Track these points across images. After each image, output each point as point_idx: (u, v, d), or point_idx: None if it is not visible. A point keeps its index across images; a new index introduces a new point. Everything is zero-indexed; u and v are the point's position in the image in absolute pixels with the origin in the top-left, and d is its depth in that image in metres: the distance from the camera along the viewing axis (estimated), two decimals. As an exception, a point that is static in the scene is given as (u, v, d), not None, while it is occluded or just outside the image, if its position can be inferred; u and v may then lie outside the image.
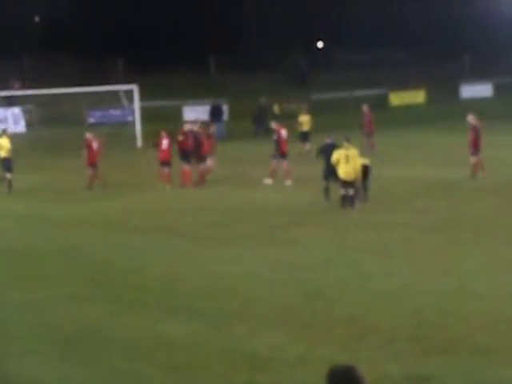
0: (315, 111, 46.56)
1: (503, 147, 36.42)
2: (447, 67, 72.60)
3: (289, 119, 42.24)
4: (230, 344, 12.96)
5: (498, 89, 64.95)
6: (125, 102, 52.48)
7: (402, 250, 18.91)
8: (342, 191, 24.49)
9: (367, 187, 25.57)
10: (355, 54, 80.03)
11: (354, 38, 77.53)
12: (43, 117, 50.55)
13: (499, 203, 24.40)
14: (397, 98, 63.27)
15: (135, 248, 20.29)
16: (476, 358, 12.02)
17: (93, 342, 13.40)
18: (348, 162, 24.30)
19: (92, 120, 53.93)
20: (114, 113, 54.23)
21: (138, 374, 12.01)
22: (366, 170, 25.33)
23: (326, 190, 25.61)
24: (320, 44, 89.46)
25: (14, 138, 36.02)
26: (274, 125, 31.57)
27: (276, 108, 54.12)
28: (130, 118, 49.72)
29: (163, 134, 31.08)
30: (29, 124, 52.67)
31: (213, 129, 35.47)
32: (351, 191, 24.40)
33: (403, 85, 64.28)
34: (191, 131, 31.48)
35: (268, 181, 30.01)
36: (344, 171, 24.30)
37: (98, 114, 54.81)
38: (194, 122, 33.67)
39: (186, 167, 30.65)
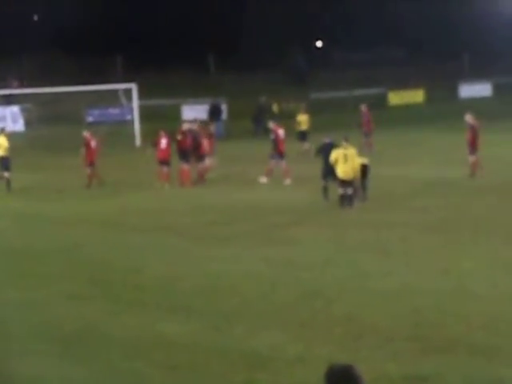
0: (314, 110, 46.58)
1: (502, 146, 36.48)
2: (446, 67, 72.62)
3: (287, 118, 42.27)
4: (229, 343, 12.98)
5: (497, 88, 64.98)
6: (123, 100, 52.49)
7: (401, 250, 18.93)
8: (340, 190, 24.51)
9: (366, 186, 25.60)
10: (354, 53, 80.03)
11: (352, 38, 77.52)
12: (42, 115, 50.54)
13: (498, 202, 24.42)
14: (396, 98, 63.30)
15: (134, 247, 20.30)
16: (475, 357, 12.04)
17: (92, 341, 13.41)
18: (346, 161, 24.32)
19: (90, 119, 53.94)
20: (113, 112, 54.25)
21: (137, 373, 12.02)
22: (364, 170, 25.36)
23: (325, 190, 25.63)
24: (319, 43, 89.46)
25: (12, 136, 36.04)
26: (271, 124, 31.58)
27: (275, 107, 54.11)
28: (128, 117, 49.73)
29: (162, 133, 31.10)
30: (27, 123, 52.68)
31: (212, 128, 35.51)
32: (350, 190, 24.42)
33: (402, 84, 64.31)
34: (190, 130, 31.50)
35: (263, 179, 30.02)
36: (342, 170, 24.32)
37: (96, 112, 54.84)
38: (192, 122, 33.68)
39: (185, 166, 30.66)
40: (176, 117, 50.99)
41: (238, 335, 13.35)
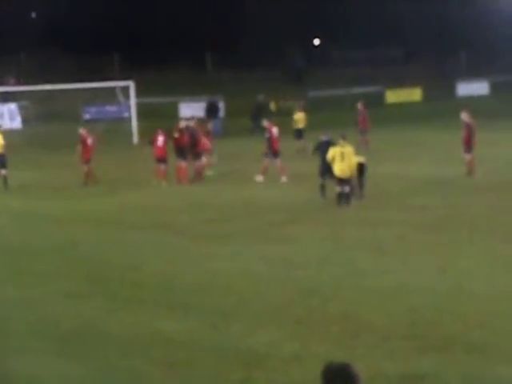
0: (312, 108, 46.63)
1: (500, 145, 36.52)
2: (444, 65, 72.66)
3: (285, 116, 42.30)
4: (226, 341, 13.00)
5: (494, 87, 64.99)
6: (121, 98, 52.48)
7: (398, 248, 18.95)
8: (337, 188, 24.54)
9: (363, 184, 25.63)
10: (352, 51, 80.00)
11: (350, 36, 77.46)
12: (39, 113, 50.53)
13: (495, 201, 24.44)
14: (393, 96, 63.33)
15: (131, 245, 20.31)
16: (472, 355, 12.06)
17: (89, 338, 13.42)
18: (343, 159, 24.34)
19: (88, 116, 53.94)
20: (110, 109, 54.23)
21: (135, 371, 12.03)
22: (361, 168, 25.39)
23: (322, 188, 25.65)
24: (316, 41, 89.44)
25: (9, 134, 36.06)
26: (265, 123, 31.58)
27: (272, 105, 54.17)
28: (126, 115, 49.74)
29: (159, 130, 31.15)
30: (25, 120, 52.67)
31: (210, 126, 35.53)
32: (347, 188, 24.44)
33: (399, 82, 64.33)
34: (187, 128, 31.52)
35: (259, 178, 30.03)
36: (339, 168, 24.34)
37: (93, 110, 54.83)
38: (190, 119, 33.69)
39: (182, 164, 30.68)
40: (173, 114, 51.03)
41: (234, 333, 13.37)
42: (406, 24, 79.34)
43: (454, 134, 30.30)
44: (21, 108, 53.45)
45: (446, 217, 22.35)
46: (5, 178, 30.50)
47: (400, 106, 60.19)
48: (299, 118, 39.96)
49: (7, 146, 31.34)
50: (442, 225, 21.37)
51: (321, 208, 24.58)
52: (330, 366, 5.90)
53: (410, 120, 50.56)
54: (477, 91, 63.92)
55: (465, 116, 29.47)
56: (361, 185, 25.58)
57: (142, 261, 18.53)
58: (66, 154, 36.13)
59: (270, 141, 30.41)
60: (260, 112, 48.41)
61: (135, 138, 45.39)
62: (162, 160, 30.67)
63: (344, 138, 24.78)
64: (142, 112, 47.55)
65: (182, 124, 31.96)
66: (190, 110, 51.45)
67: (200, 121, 36.14)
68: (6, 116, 53.18)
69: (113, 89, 51.49)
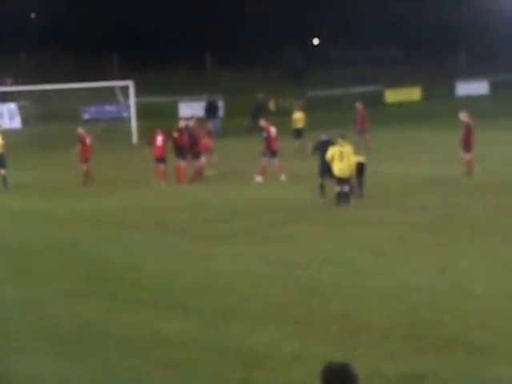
0: (311, 108, 46.62)
1: (499, 144, 36.53)
2: (443, 65, 72.73)
3: (284, 116, 42.30)
4: (226, 341, 13.00)
5: (493, 86, 65.03)
6: (120, 97, 52.45)
7: (398, 248, 18.95)
8: (337, 188, 24.54)
9: (363, 184, 25.64)
10: (351, 51, 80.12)
11: (350, 35, 77.60)
12: (39, 113, 50.54)
13: (495, 201, 24.44)
14: (392, 95, 63.37)
15: (131, 245, 20.31)
16: (472, 355, 12.06)
17: (89, 338, 13.42)
18: (342, 158, 24.34)
19: (87, 116, 53.97)
20: (110, 109, 54.24)
21: (135, 371, 12.03)
22: (361, 168, 25.39)
23: (322, 187, 25.64)
24: (316, 41, 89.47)
25: (9, 133, 36.05)
26: (262, 122, 31.57)
27: (272, 105, 54.19)
28: (125, 114, 49.73)
29: (157, 130, 31.16)
30: (24, 120, 52.68)
31: (210, 125, 35.53)
32: (346, 188, 24.44)
33: (399, 82, 64.37)
34: (187, 127, 31.52)
35: (259, 178, 30.02)
36: (338, 168, 24.34)
37: (93, 109, 54.86)
38: (189, 119, 33.69)
39: (182, 163, 30.68)
40: (173, 114, 51.07)
41: (234, 333, 13.38)
42: (405, 24, 79.43)
43: (454, 134, 30.29)
44: (20, 108, 53.46)
45: (446, 217, 22.34)
46: (4, 178, 30.49)
47: (399, 105, 60.21)
48: (298, 117, 39.95)
49: (6, 145, 31.35)
50: (441, 225, 21.37)
51: (320, 208, 24.59)
52: (330, 366, 5.91)
53: (409, 120, 50.57)
54: (476, 91, 63.98)
55: (464, 116, 29.47)
56: (360, 184, 25.59)
57: (142, 261, 18.53)
58: (66, 154, 36.08)
59: (268, 140, 30.40)
60: (260, 111, 48.44)
61: (134, 138, 45.38)
62: (161, 160, 30.67)
63: (343, 137, 24.78)
64: (142, 112, 47.54)
65: (182, 124, 31.96)
66: (190, 109, 51.48)
67: (199, 120, 36.14)
68: (6, 116, 53.20)
69: (112, 88, 51.47)
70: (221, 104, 53.87)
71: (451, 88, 64.85)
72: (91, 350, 12.92)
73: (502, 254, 17.98)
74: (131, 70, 59.94)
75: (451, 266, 17.03)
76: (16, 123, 52.68)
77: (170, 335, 13.39)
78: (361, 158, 25.69)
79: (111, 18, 77.64)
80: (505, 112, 49.58)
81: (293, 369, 11.80)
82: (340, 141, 24.73)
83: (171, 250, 19.60)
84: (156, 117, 47.36)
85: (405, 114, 54.29)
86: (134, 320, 14.24)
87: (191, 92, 57.32)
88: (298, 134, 38.91)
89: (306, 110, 42.43)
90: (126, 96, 48.85)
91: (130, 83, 47.10)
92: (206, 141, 32.26)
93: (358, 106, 40.06)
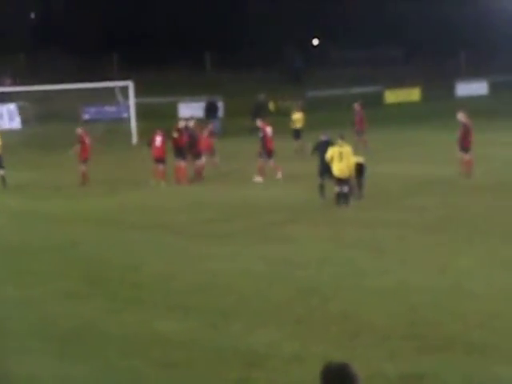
0: (310, 108, 46.63)
1: (499, 145, 36.54)
2: (443, 65, 72.74)
3: (283, 116, 42.30)
4: (226, 341, 13.00)
5: (493, 87, 65.05)
6: (120, 98, 52.49)
7: (397, 248, 18.95)
8: (336, 188, 24.54)
9: (362, 184, 25.64)
10: (351, 51, 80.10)
11: (349, 36, 77.61)
12: (38, 113, 50.56)
13: (494, 201, 24.45)
14: (392, 96, 63.37)
15: (131, 245, 20.31)
16: (471, 355, 12.06)
17: (89, 338, 13.42)
18: (342, 159, 24.34)
19: (87, 116, 53.96)
20: (109, 109, 54.26)
21: (135, 371, 12.04)
22: (360, 168, 25.39)
23: (321, 188, 25.64)
24: (315, 41, 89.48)
25: (9, 134, 36.08)
26: (259, 122, 31.58)
27: (271, 105, 54.20)
28: (125, 115, 49.75)
29: (156, 131, 31.17)
30: (24, 120, 52.69)
31: (211, 126, 35.54)
32: (346, 188, 24.44)
33: (399, 82, 64.37)
34: (186, 128, 31.53)
35: (258, 179, 30.04)
36: (338, 168, 24.34)
37: (93, 110, 54.85)
38: (188, 119, 33.70)
39: (181, 164, 30.69)
40: (173, 114, 51.07)
41: (234, 333, 13.38)
42: (405, 24, 79.47)
43: (454, 134, 30.28)
44: (20, 108, 53.46)
45: (446, 217, 22.35)
46: (3, 178, 30.49)
47: (399, 106, 60.23)
48: (297, 118, 39.95)
49: (4, 146, 31.36)
50: (441, 225, 21.38)
51: (320, 208, 24.59)
52: (329, 366, 5.90)
53: (409, 120, 50.59)
54: (476, 91, 63.99)
55: (461, 116, 29.47)
56: (360, 185, 25.59)
57: (142, 261, 18.53)
58: (64, 155, 36.08)
59: (264, 140, 30.43)
60: (260, 111, 48.44)
61: (134, 139, 45.37)
62: (160, 160, 30.67)
63: (342, 137, 24.79)
64: (141, 112, 47.55)
65: (181, 124, 31.97)
66: (190, 110, 51.50)
67: (199, 121, 36.15)
68: (6, 116, 53.21)
69: (112, 89, 51.50)
70: (220, 104, 53.88)
71: (451, 88, 64.86)
72: (91, 350, 12.93)
73: (502, 253, 17.98)
74: (131, 71, 59.97)
75: (451, 266, 17.04)
76: (16, 124, 52.69)
77: (170, 335, 13.40)
78: (360, 159, 25.70)
79: (111, 18, 77.66)
80: (504, 112, 49.61)
81: (293, 369, 11.80)
82: (339, 141, 24.73)
83: (171, 250, 19.60)
84: (156, 117, 47.38)
85: (404, 114, 54.31)
86: (134, 320, 14.24)
87: (191, 92, 57.33)
88: (297, 134, 38.92)
89: (306, 110, 42.45)
90: (126, 96, 48.87)
91: (130, 84, 47.10)
92: (208, 141, 32.26)
93: (356, 106, 40.09)
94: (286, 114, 42.62)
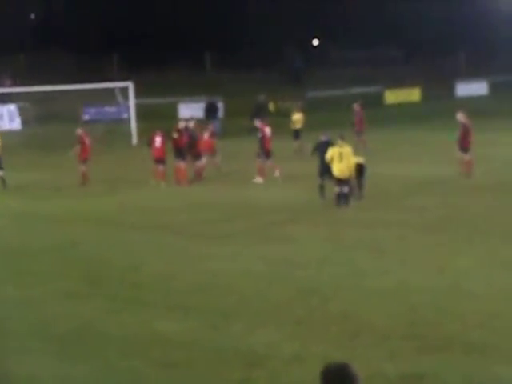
0: (311, 108, 46.61)
1: (498, 145, 36.55)
2: (443, 65, 72.72)
3: (284, 117, 42.29)
4: (226, 341, 13.01)
5: (493, 87, 65.05)
6: (120, 99, 52.50)
7: (397, 248, 18.96)
8: (336, 189, 24.54)
9: (362, 185, 25.65)
10: (351, 51, 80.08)
11: (349, 36, 77.59)
12: (39, 114, 50.57)
13: (494, 201, 24.46)
14: (392, 96, 63.37)
15: (131, 245, 20.32)
16: (471, 355, 12.07)
17: (89, 339, 13.43)
18: (342, 159, 24.34)
19: (87, 117, 53.95)
20: (110, 110, 54.26)
21: (135, 372, 12.04)
22: (360, 169, 25.40)
23: (321, 188, 25.64)
24: (315, 41, 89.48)
25: (9, 135, 36.07)
26: (257, 123, 31.57)
27: (271, 106, 54.21)
28: (125, 115, 49.76)
29: (156, 131, 31.17)
30: (24, 121, 52.69)
31: (211, 126, 35.54)
32: (346, 189, 24.44)
33: (399, 83, 64.36)
34: (186, 128, 31.53)
35: (258, 179, 30.04)
36: (338, 169, 24.34)
37: (93, 111, 54.84)
38: (188, 120, 33.71)
39: (181, 164, 30.69)
40: (173, 115, 51.06)
41: (234, 333, 13.39)
42: (405, 24, 79.46)
43: (453, 135, 30.28)
44: (20, 109, 53.46)
45: (445, 217, 22.36)
46: (2, 179, 30.49)
47: (399, 106, 60.23)
48: (297, 118, 39.95)
49: (4, 146, 31.36)
50: (441, 225, 21.39)
51: (320, 208, 24.59)
52: (329, 366, 5.91)
53: (409, 120, 50.59)
54: (476, 91, 64.00)
55: (461, 116, 29.47)
56: (360, 185, 25.60)
57: (142, 261, 18.54)
58: (64, 155, 36.10)
59: (263, 141, 30.44)
60: (260, 112, 48.43)
61: (134, 139, 45.37)
62: (160, 161, 30.68)
63: (342, 138, 24.79)
64: (142, 113, 47.55)
65: (181, 125, 31.98)
66: (190, 110, 51.48)
67: (199, 121, 36.15)
68: (6, 117, 53.20)
69: (112, 90, 51.50)
70: (220, 105, 53.88)
71: (451, 89, 64.87)
72: (91, 350, 12.93)
73: (502, 254, 17.99)
74: (131, 71, 59.97)
75: (451, 266, 17.04)
76: (16, 124, 52.68)
77: (170, 335, 13.40)
78: (360, 159, 25.70)
79: (111, 18, 77.66)
80: (504, 112, 49.62)
81: (292, 369, 11.81)
82: (339, 141, 24.73)
83: (171, 250, 19.61)
84: (156, 118, 47.36)
85: (404, 114, 54.32)
86: (134, 320, 14.25)
87: (191, 93, 57.33)
88: (297, 134, 38.92)
89: (306, 110, 42.45)
90: (126, 97, 48.86)
91: (130, 84, 47.09)
92: (209, 142, 32.28)
93: (356, 107, 40.10)
94: (286, 115, 42.61)
